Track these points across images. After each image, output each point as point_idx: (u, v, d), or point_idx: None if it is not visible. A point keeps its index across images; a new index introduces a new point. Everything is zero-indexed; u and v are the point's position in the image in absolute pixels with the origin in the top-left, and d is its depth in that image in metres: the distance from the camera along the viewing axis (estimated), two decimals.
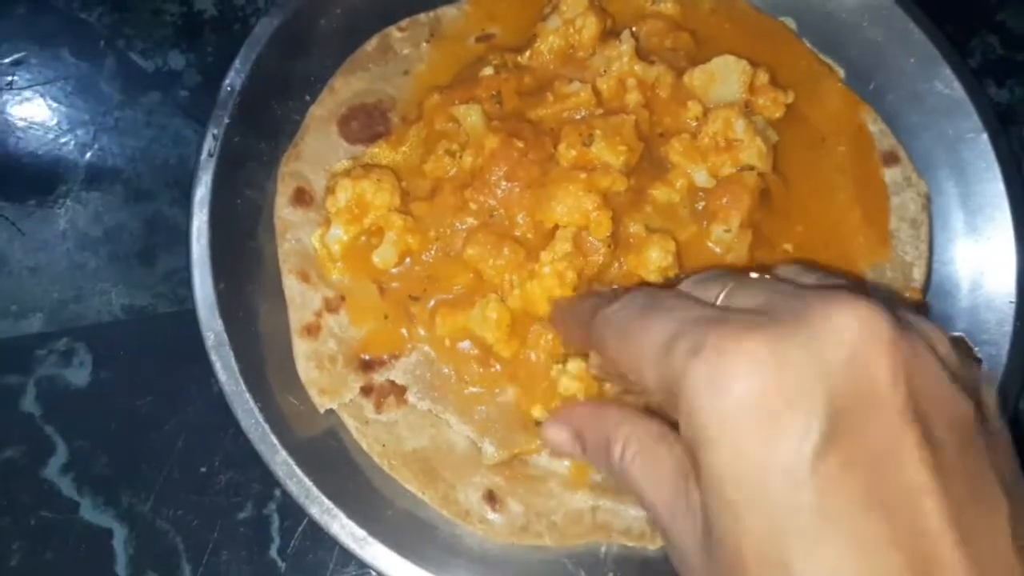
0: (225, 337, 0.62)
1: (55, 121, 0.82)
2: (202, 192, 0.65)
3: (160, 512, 0.71)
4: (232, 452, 0.72)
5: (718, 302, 0.42)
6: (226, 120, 0.67)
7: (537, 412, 0.64)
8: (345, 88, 0.73)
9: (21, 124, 0.82)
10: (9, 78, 0.84)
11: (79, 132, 0.82)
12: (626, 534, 0.63)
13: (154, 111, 0.83)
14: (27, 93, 0.83)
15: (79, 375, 0.74)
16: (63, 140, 0.81)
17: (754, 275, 0.46)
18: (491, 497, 0.63)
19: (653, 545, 0.63)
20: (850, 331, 0.36)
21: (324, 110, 0.72)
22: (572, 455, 0.53)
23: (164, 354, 0.75)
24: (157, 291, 0.77)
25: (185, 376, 0.73)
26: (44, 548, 0.70)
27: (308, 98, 0.72)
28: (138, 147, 0.81)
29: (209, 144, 0.66)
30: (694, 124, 0.70)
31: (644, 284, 0.65)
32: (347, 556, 0.68)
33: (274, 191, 0.69)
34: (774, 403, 0.35)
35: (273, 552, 0.70)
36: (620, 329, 0.45)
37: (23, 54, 0.84)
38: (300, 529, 0.70)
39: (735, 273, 0.45)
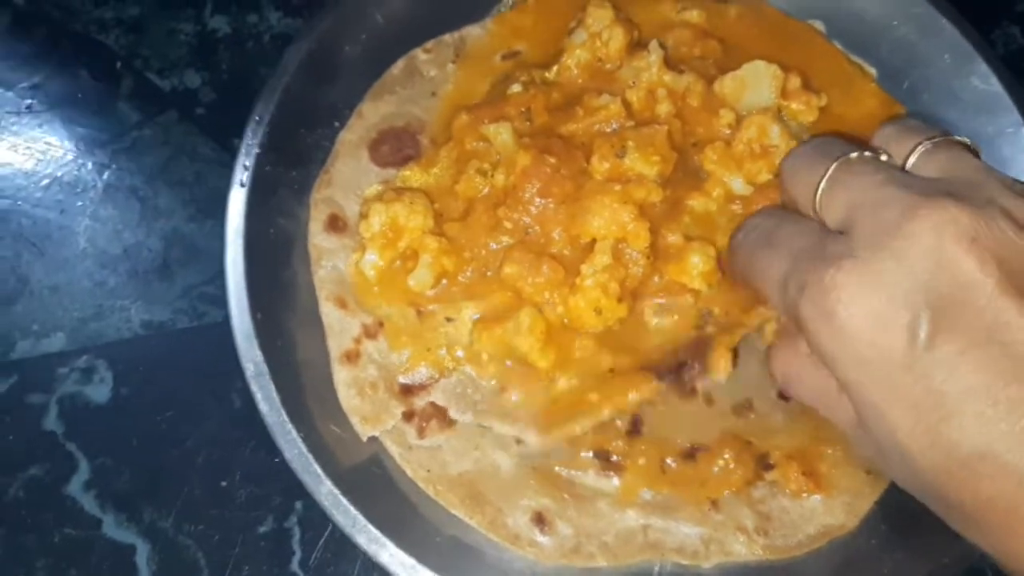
0: (265, 367, 0.62)
1: (73, 142, 0.84)
2: (236, 223, 0.65)
3: (182, 527, 0.71)
4: (252, 466, 0.72)
5: (908, 165, 0.49)
6: (256, 150, 0.67)
7: None
8: (373, 113, 0.73)
9: (40, 146, 0.83)
10: (28, 101, 0.85)
11: (97, 152, 0.83)
12: (679, 552, 0.62)
13: (171, 129, 0.84)
14: (46, 115, 0.85)
15: (100, 392, 0.75)
16: (81, 160, 0.82)
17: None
18: (540, 519, 0.62)
19: (707, 563, 0.62)
20: (931, 240, 0.42)
21: (354, 135, 0.72)
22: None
23: (184, 369, 0.75)
24: (176, 307, 0.78)
25: (205, 391, 0.74)
26: (68, 565, 0.70)
27: (337, 124, 0.72)
28: (156, 165, 0.83)
29: (240, 175, 0.66)
30: (727, 132, 0.69)
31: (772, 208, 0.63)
32: (370, 569, 0.69)
33: (307, 218, 0.69)
34: (881, 318, 0.42)
35: (295, 565, 0.70)
36: (746, 259, 0.56)
37: (42, 76, 0.86)
38: (321, 541, 0.70)
39: (927, 131, 0.51)
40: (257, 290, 0.64)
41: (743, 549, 0.62)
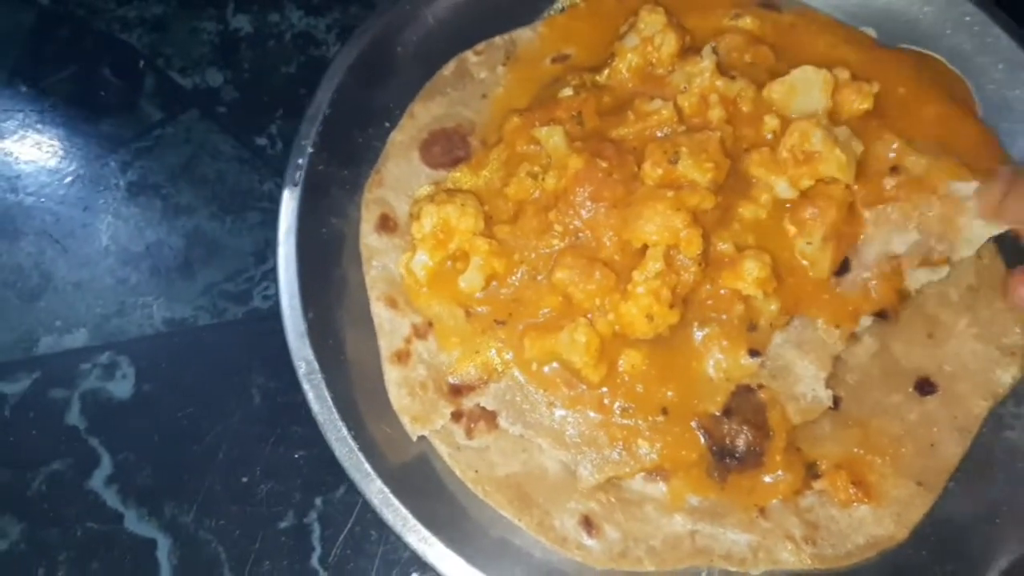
0: (316, 366, 0.62)
1: (97, 140, 0.85)
2: (288, 221, 0.66)
3: (202, 522, 0.71)
4: (272, 462, 0.73)
5: None
6: (310, 149, 0.67)
7: None
8: (424, 113, 0.73)
9: (64, 144, 0.85)
10: (52, 99, 0.86)
11: (120, 150, 0.84)
12: (727, 558, 0.62)
13: (193, 127, 0.85)
14: (70, 113, 0.86)
15: (122, 388, 0.75)
16: (104, 159, 0.83)
17: None
18: (587, 523, 0.62)
19: (755, 570, 0.62)
20: None
21: (405, 136, 0.72)
22: None
23: (205, 366, 0.76)
24: (197, 304, 0.78)
25: (226, 387, 0.75)
26: (90, 559, 0.71)
27: (388, 124, 0.73)
28: (178, 163, 0.83)
29: (293, 174, 0.67)
30: (770, 137, 0.68)
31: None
32: (389, 565, 0.69)
33: (358, 218, 0.70)
34: None
35: (315, 561, 0.70)
36: None
37: (66, 74, 0.87)
38: (341, 538, 0.70)
39: None
40: (309, 289, 0.64)
41: (791, 557, 0.62)
